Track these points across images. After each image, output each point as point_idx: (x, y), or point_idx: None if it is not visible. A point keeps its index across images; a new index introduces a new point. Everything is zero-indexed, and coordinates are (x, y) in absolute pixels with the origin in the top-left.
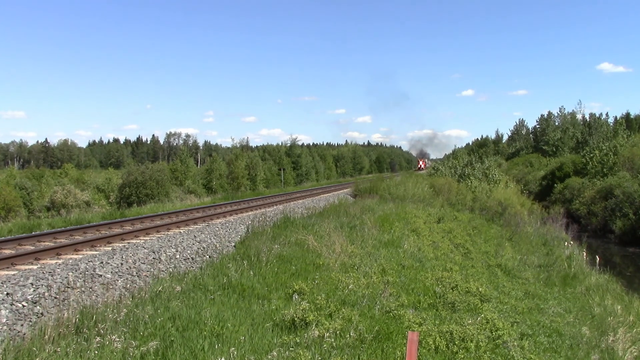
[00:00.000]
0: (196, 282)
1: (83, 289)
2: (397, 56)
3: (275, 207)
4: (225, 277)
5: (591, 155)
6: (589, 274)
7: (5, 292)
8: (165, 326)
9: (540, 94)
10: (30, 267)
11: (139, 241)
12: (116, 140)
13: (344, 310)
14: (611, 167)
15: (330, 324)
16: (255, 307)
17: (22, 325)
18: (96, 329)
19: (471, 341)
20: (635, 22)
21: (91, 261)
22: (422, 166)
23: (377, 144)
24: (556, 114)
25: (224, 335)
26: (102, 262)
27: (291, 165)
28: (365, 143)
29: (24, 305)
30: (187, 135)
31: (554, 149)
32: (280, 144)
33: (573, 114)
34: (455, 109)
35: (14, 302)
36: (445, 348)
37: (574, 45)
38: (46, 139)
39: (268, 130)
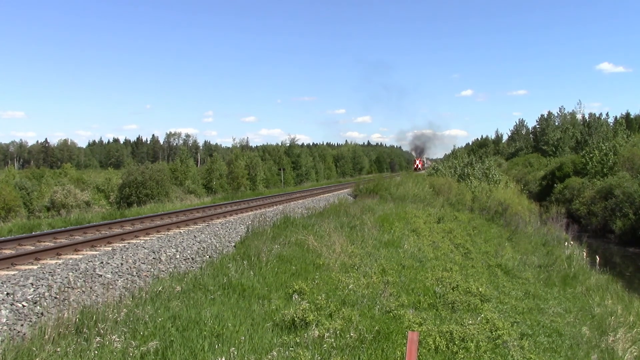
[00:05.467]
0: (196, 282)
1: (83, 289)
2: (396, 56)
3: (275, 207)
4: (225, 277)
5: (591, 155)
6: (589, 274)
7: (5, 292)
8: (165, 326)
9: (540, 94)
10: (30, 267)
11: (139, 241)
12: (116, 140)
13: (344, 310)
14: (611, 167)
15: (330, 324)
16: (255, 307)
17: (22, 325)
18: (96, 328)
19: (471, 341)
20: (635, 22)
21: (91, 261)
22: (420, 166)
23: (377, 144)
24: (556, 114)
25: (224, 335)
26: (102, 262)
27: (291, 165)
28: (365, 143)
29: (24, 305)
30: (187, 135)
31: (554, 149)
32: (279, 144)
33: (573, 114)
34: (454, 109)
35: (14, 302)
36: (445, 348)
37: (574, 45)
38: (46, 139)
39: (268, 130)
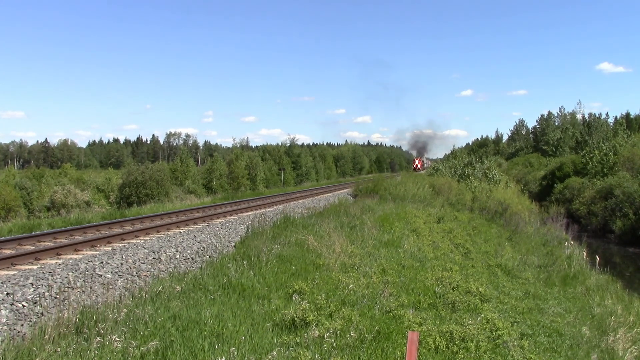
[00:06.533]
0: (196, 282)
1: (83, 289)
2: (396, 56)
3: (275, 207)
4: (225, 277)
5: (591, 155)
6: (589, 274)
7: (5, 292)
8: (165, 326)
9: (540, 94)
10: (30, 267)
11: (139, 241)
12: (116, 140)
13: (344, 310)
14: (611, 167)
15: (330, 323)
16: (256, 307)
17: (22, 325)
18: (96, 328)
19: (471, 341)
20: (635, 22)
21: (91, 261)
22: (419, 166)
23: (377, 144)
24: (556, 114)
25: (224, 335)
26: (102, 262)
27: (291, 165)
28: (365, 143)
29: (24, 305)
30: (187, 135)
31: (554, 149)
32: (279, 144)
33: (573, 114)
34: (454, 109)
35: (14, 302)
36: (445, 348)
37: (574, 45)
38: (46, 139)
39: (268, 130)
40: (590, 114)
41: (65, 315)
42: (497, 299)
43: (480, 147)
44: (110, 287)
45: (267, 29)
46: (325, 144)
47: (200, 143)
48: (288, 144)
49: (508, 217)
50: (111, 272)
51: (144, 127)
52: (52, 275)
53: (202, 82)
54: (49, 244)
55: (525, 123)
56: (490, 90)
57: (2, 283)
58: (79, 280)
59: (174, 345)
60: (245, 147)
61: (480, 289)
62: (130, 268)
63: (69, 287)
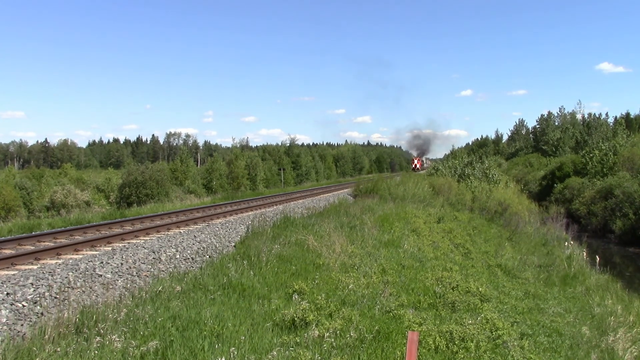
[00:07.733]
0: (196, 282)
1: (83, 288)
2: (396, 56)
3: (275, 207)
4: (225, 277)
5: (591, 155)
6: (589, 274)
7: (5, 292)
8: (165, 326)
9: (540, 94)
10: (30, 267)
11: (139, 241)
12: (116, 140)
13: (344, 310)
14: (611, 167)
15: (330, 323)
16: (256, 307)
17: (22, 325)
18: (96, 328)
19: (471, 341)
20: (635, 22)
21: (91, 261)
22: (419, 166)
23: (377, 143)
24: (556, 114)
25: (224, 335)
26: (102, 262)
27: (291, 165)
28: (365, 143)
29: (24, 305)
30: (187, 135)
31: (554, 149)
32: (279, 144)
33: (573, 114)
34: (454, 109)
35: (14, 302)
36: (445, 348)
37: (574, 45)
38: (46, 139)
39: (267, 130)
40: (590, 114)
41: (65, 315)
42: (497, 299)
43: (480, 147)
44: (110, 287)
45: (267, 29)
46: (325, 144)
47: (200, 143)
48: (288, 144)
49: (508, 217)
50: (111, 272)
51: (144, 127)
52: (52, 275)
53: (202, 82)
54: (49, 244)
55: (525, 123)
56: (490, 90)
57: (2, 283)
58: (79, 280)
59: (174, 345)
60: (245, 147)
61: (480, 289)
62: (130, 268)
63: (69, 287)
